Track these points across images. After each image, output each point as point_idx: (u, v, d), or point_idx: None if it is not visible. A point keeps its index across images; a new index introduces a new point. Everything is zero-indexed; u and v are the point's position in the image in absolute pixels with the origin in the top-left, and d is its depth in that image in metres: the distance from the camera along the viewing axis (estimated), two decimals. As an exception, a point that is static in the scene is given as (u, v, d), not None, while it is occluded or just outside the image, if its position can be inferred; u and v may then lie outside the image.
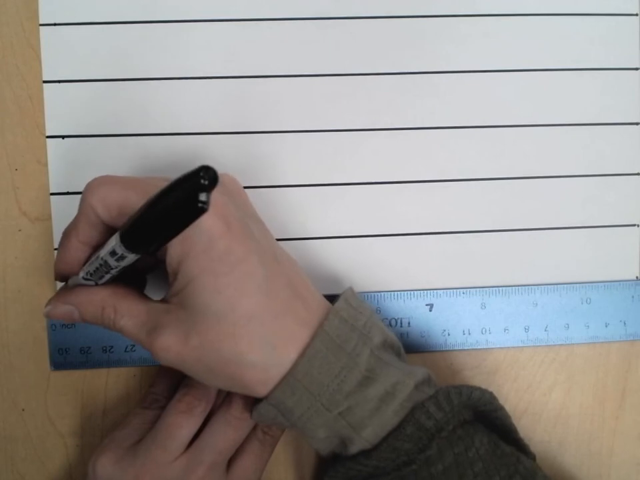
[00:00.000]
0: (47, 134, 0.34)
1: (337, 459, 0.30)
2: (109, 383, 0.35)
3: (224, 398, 0.31)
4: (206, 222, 0.25)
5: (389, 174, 0.35)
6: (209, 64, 0.34)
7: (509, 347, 0.36)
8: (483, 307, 0.36)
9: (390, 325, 0.35)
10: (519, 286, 0.36)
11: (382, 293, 0.35)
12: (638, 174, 0.37)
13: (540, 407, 0.36)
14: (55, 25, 0.34)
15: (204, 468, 0.30)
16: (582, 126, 0.36)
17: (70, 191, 0.34)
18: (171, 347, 0.26)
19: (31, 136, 0.34)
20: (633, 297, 0.36)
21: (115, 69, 0.34)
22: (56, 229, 0.34)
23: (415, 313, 0.36)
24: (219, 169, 0.34)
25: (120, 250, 0.24)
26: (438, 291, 0.36)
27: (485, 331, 0.36)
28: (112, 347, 0.34)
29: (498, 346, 0.36)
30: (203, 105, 0.34)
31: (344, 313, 0.28)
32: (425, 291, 0.36)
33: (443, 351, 0.36)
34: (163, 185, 0.21)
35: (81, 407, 0.35)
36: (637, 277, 0.37)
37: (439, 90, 0.36)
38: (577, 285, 0.36)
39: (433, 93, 0.35)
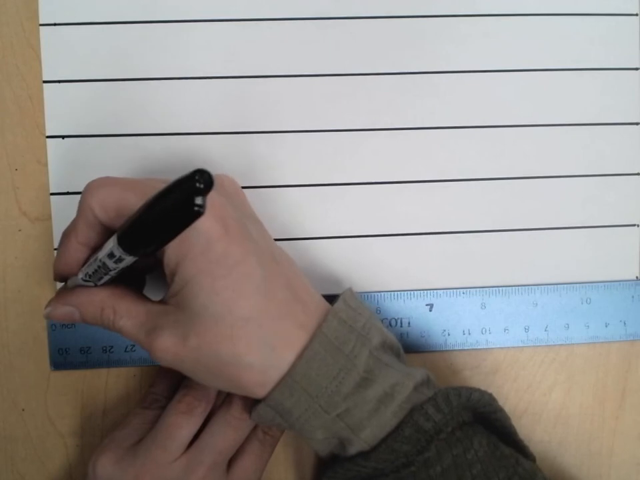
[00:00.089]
0: (47, 134, 0.34)
1: (335, 460, 0.30)
2: (108, 383, 0.35)
3: (224, 398, 0.31)
4: (203, 224, 0.25)
5: (388, 174, 0.35)
6: (209, 64, 0.34)
7: (509, 347, 0.36)
8: (483, 307, 0.36)
9: (390, 325, 0.35)
10: (518, 286, 0.36)
11: (382, 293, 0.35)
12: (638, 174, 0.37)
13: (540, 407, 0.36)
14: (54, 25, 0.34)
15: (204, 468, 0.30)
16: (582, 126, 0.36)
17: (70, 191, 0.34)
18: (169, 348, 0.26)
19: (31, 136, 0.34)
20: (632, 297, 0.36)
21: (114, 69, 0.34)
22: (56, 229, 0.34)
23: (415, 313, 0.36)
24: (219, 169, 0.35)
25: (118, 252, 0.24)
26: (438, 290, 0.36)
27: (485, 330, 0.36)
28: (112, 347, 0.34)
29: (498, 346, 0.36)
30: (202, 105, 0.34)
31: (343, 314, 0.28)
32: (425, 291, 0.36)
33: (442, 351, 0.36)
34: (161, 187, 0.21)
35: (81, 407, 0.35)
36: (637, 277, 0.37)
37: (439, 90, 0.36)
38: (577, 284, 0.36)
39: (433, 93, 0.35)
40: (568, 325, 0.36)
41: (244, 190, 0.31)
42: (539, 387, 0.37)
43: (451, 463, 0.28)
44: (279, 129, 0.35)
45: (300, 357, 0.27)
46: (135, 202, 0.25)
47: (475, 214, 0.36)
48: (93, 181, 0.27)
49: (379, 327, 0.29)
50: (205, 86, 0.34)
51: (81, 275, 0.28)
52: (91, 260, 0.27)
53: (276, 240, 0.34)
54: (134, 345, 0.34)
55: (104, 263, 0.25)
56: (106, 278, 0.27)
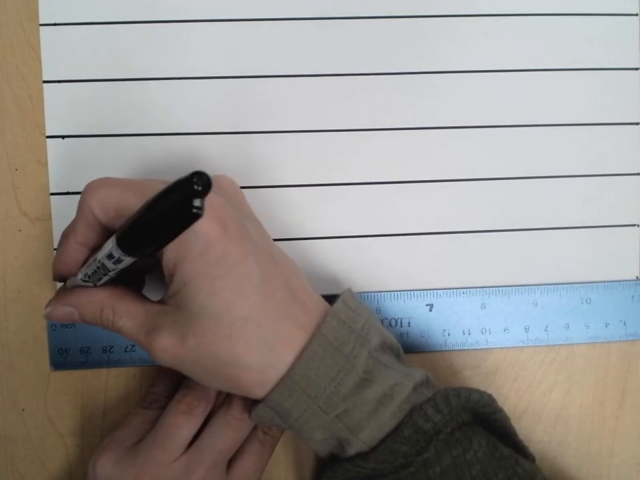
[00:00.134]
0: (47, 134, 0.34)
1: (335, 460, 0.30)
2: (108, 383, 0.35)
3: (224, 399, 0.31)
4: (202, 225, 0.25)
5: (388, 174, 0.35)
6: (209, 64, 0.34)
7: (509, 347, 0.36)
8: (483, 307, 0.36)
9: (390, 325, 0.35)
10: (518, 286, 0.36)
11: (382, 293, 0.35)
12: (638, 174, 0.37)
13: (540, 407, 0.36)
14: (55, 25, 0.34)
15: (204, 468, 0.30)
16: (582, 126, 0.36)
17: (70, 191, 0.34)
18: (169, 348, 0.26)
19: (31, 136, 0.34)
20: (632, 297, 0.36)
21: (115, 69, 0.34)
22: (56, 229, 0.34)
23: (415, 313, 0.36)
24: (219, 169, 0.35)
25: (117, 253, 0.24)
26: (438, 290, 0.36)
27: (485, 330, 0.36)
28: (112, 347, 0.34)
29: (498, 346, 0.36)
30: (202, 105, 0.34)
31: (342, 314, 0.28)
32: (425, 291, 0.36)
33: (442, 351, 0.36)
34: (161, 188, 0.21)
35: (81, 407, 0.35)
36: (637, 277, 0.37)
37: (439, 90, 0.36)
38: (577, 284, 0.36)
39: (433, 93, 0.35)
40: (568, 325, 0.36)
41: (244, 190, 0.31)
42: (538, 387, 0.37)
43: (450, 463, 0.28)
44: (279, 129, 0.35)
45: (299, 357, 0.27)
46: (134, 203, 0.26)
47: (475, 214, 0.36)
48: (93, 182, 0.27)
49: (379, 328, 0.29)
50: (204, 86, 0.34)
51: (80, 276, 0.28)
52: (90, 260, 0.27)
53: (276, 240, 0.34)
54: (134, 345, 0.34)
55: (103, 264, 0.25)
56: (105, 278, 0.27)
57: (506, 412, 0.30)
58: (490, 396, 0.30)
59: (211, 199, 0.25)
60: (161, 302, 0.28)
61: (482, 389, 0.32)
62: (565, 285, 0.36)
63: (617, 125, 0.37)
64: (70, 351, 0.34)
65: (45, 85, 0.34)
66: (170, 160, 0.34)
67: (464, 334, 0.36)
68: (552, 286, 0.36)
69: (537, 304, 0.36)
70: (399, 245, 0.36)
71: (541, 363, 0.37)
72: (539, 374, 0.37)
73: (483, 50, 0.36)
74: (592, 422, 0.37)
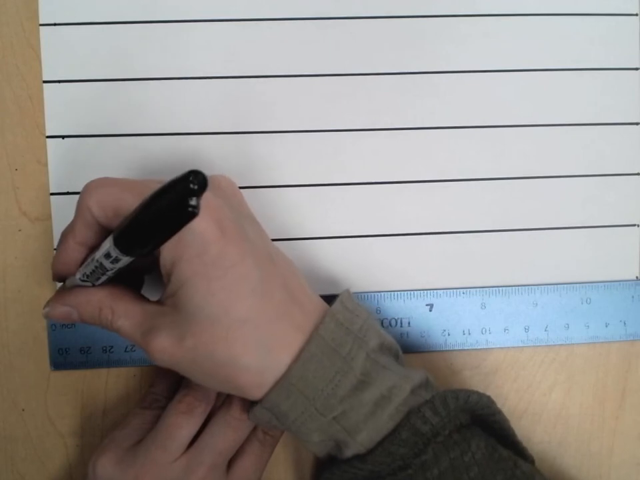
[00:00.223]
0: (47, 134, 0.34)
1: (333, 461, 0.30)
2: (108, 382, 0.35)
3: (224, 399, 0.31)
4: (199, 225, 0.25)
5: (389, 174, 0.35)
6: (209, 64, 0.34)
7: (509, 347, 0.36)
8: (483, 307, 0.36)
9: (390, 325, 0.35)
10: (518, 286, 0.36)
11: (382, 293, 0.35)
12: (638, 174, 0.37)
13: (540, 407, 0.36)
14: (55, 25, 0.34)
15: (204, 469, 0.30)
16: (582, 126, 0.36)
17: (70, 191, 0.34)
18: (166, 348, 0.26)
19: (31, 136, 0.34)
20: (632, 297, 0.36)
21: (115, 69, 0.34)
22: (56, 229, 0.34)
23: (415, 313, 0.36)
24: (219, 170, 0.35)
25: (114, 253, 0.24)
26: (438, 290, 0.36)
27: (485, 331, 0.36)
28: (112, 347, 0.34)
29: (498, 346, 0.36)
30: (202, 105, 0.34)
31: (340, 316, 0.28)
32: (425, 291, 0.36)
33: (442, 351, 0.36)
34: (157, 187, 0.21)
35: (81, 407, 0.35)
36: (637, 277, 0.37)
37: (439, 90, 0.35)
38: (577, 284, 0.36)
39: (433, 93, 0.35)
40: (568, 325, 0.36)
41: (244, 190, 0.31)
42: (538, 387, 0.37)
43: (448, 465, 0.28)
44: (279, 129, 0.35)
45: (296, 359, 0.27)
46: (132, 202, 0.25)
47: (475, 214, 0.36)
48: (91, 182, 0.27)
49: (377, 329, 0.29)
50: (204, 86, 0.34)
51: (78, 275, 0.28)
52: (89, 260, 0.27)
53: (276, 240, 0.34)
54: (134, 345, 0.34)
55: (101, 263, 0.26)
56: (103, 278, 0.27)
57: (506, 412, 0.30)
58: (489, 397, 0.30)
59: (208, 199, 0.25)
60: (159, 302, 0.28)
61: (482, 389, 0.32)
62: (565, 285, 0.36)
63: (616, 125, 0.37)
64: (70, 351, 0.34)
65: (44, 85, 0.34)
66: (170, 160, 0.34)
67: (464, 334, 0.36)
68: (552, 286, 0.36)
69: (537, 304, 0.36)
70: (399, 245, 0.36)
71: (541, 363, 0.37)
72: (539, 374, 0.37)
73: (483, 50, 0.36)
74: (592, 422, 0.37)
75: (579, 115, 0.36)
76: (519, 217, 0.36)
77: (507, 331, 0.36)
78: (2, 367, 0.34)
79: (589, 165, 0.36)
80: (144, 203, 0.22)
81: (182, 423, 0.30)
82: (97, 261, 0.26)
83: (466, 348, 0.36)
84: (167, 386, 0.33)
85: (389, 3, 0.35)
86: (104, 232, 0.27)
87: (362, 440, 0.28)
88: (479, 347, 0.36)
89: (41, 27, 0.34)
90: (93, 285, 0.28)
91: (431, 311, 0.36)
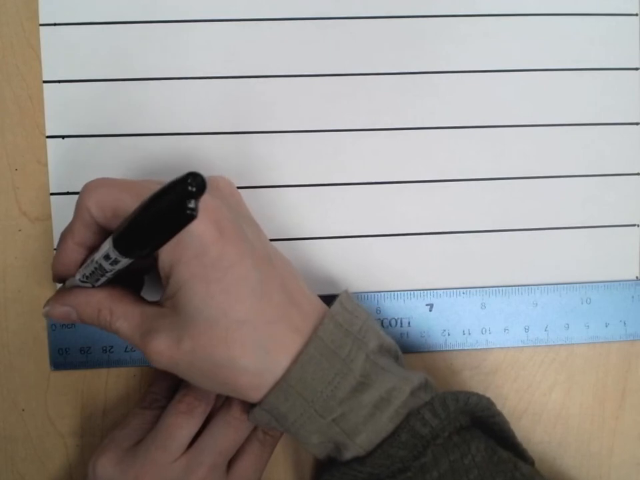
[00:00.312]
0: (47, 134, 0.34)
1: (332, 463, 0.30)
2: (108, 382, 0.35)
3: (224, 399, 0.31)
4: (197, 227, 0.25)
5: (389, 174, 0.35)
6: (209, 64, 0.34)
7: (509, 347, 0.36)
8: (483, 307, 0.36)
9: (390, 325, 0.35)
10: (518, 286, 0.36)
11: (382, 293, 0.35)
12: (638, 174, 0.37)
13: (540, 407, 0.36)
14: (55, 25, 0.34)
15: (204, 469, 0.30)
16: (582, 126, 0.36)
17: (70, 191, 0.34)
18: (164, 351, 0.26)
19: (31, 136, 0.34)
20: (632, 297, 0.36)
21: (115, 69, 0.34)
22: (56, 229, 0.34)
23: (415, 313, 0.36)
24: (219, 170, 0.35)
25: (113, 254, 0.24)
26: (438, 290, 0.36)
27: (485, 330, 0.36)
28: (112, 347, 0.34)
29: (498, 346, 0.36)
30: (202, 105, 0.34)
31: (339, 317, 0.28)
32: (425, 291, 0.36)
33: (442, 351, 0.36)
34: (156, 189, 0.21)
35: (81, 407, 0.35)
36: (637, 277, 0.37)
37: (439, 90, 0.35)
38: (577, 284, 0.36)
39: (433, 93, 0.35)
40: (568, 325, 0.36)
41: (243, 190, 0.31)
42: (539, 387, 0.37)
43: (447, 468, 0.28)
44: (279, 129, 0.35)
45: (295, 360, 0.27)
46: (130, 203, 0.25)
47: (475, 214, 0.36)
48: (90, 182, 0.27)
49: (376, 330, 0.29)
50: (204, 86, 0.34)
51: (78, 276, 0.28)
52: (88, 261, 0.27)
53: (275, 240, 0.34)
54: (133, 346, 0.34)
55: (100, 265, 0.26)
56: (103, 279, 0.27)
57: (506, 412, 0.30)
58: (488, 399, 0.30)
59: (206, 201, 0.25)
60: (158, 304, 0.28)
61: (482, 389, 0.32)
62: (565, 285, 0.36)
63: (616, 125, 0.37)
64: (70, 351, 0.34)
65: (44, 84, 0.34)
66: (170, 160, 0.34)
67: (464, 334, 0.36)
68: (552, 286, 0.36)
69: (537, 304, 0.36)
70: (399, 244, 0.36)
71: (541, 363, 0.37)
72: (539, 374, 0.37)
73: (483, 50, 0.36)
74: (592, 422, 0.37)
75: (579, 115, 0.36)
76: (518, 217, 0.36)
77: (506, 331, 0.36)
78: (2, 366, 0.34)
79: (589, 165, 0.36)
80: (143, 205, 0.22)
81: (182, 423, 0.30)
82: (97, 262, 0.26)
83: (466, 348, 0.36)
84: (167, 386, 0.33)
85: (388, 2, 0.35)
86: (103, 233, 0.27)
87: (361, 442, 0.28)
88: (478, 347, 0.36)
89: (41, 27, 0.34)
90: (93, 286, 0.28)
91: (431, 311, 0.36)
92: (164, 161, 0.34)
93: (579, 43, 0.36)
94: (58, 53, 0.34)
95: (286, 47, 0.35)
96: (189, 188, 0.20)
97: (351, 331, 0.28)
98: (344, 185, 0.35)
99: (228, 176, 0.30)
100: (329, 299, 0.30)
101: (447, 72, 0.35)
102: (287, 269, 0.29)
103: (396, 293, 0.35)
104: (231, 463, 0.32)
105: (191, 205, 0.20)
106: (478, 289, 0.36)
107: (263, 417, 0.28)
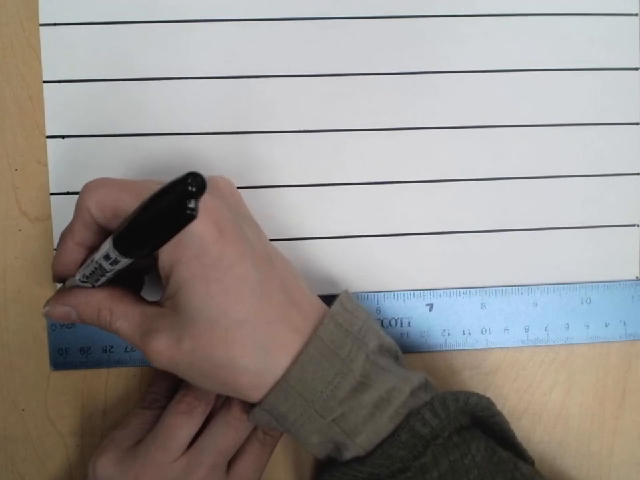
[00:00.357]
0: (47, 134, 0.34)
1: (332, 463, 0.30)
2: (108, 382, 0.35)
3: (224, 399, 0.31)
4: (197, 227, 0.25)
5: (389, 174, 0.35)
6: (209, 64, 0.34)
7: (509, 347, 0.36)
8: (483, 307, 0.36)
9: (390, 325, 0.35)
10: (518, 286, 0.36)
11: (382, 293, 0.35)
12: (638, 174, 0.37)
13: (540, 407, 0.36)
14: (55, 24, 0.34)
15: (204, 469, 0.30)
16: (582, 126, 0.36)
17: (70, 191, 0.34)
18: (164, 351, 0.26)
19: (31, 136, 0.34)
20: (632, 297, 0.36)
21: (115, 69, 0.34)
22: (56, 229, 0.34)
23: (415, 313, 0.36)
24: (219, 170, 0.35)
25: (113, 254, 0.24)
26: (438, 290, 0.36)
27: (485, 330, 0.36)
28: (112, 347, 0.34)
29: (498, 346, 0.36)
30: (202, 105, 0.34)
31: (339, 317, 0.28)
32: (425, 291, 0.36)
33: (442, 351, 0.36)
34: (156, 189, 0.21)
35: (81, 407, 0.35)
36: (637, 277, 0.37)
37: (439, 90, 0.35)
38: (577, 284, 0.36)
39: (433, 93, 0.35)
40: (568, 325, 0.36)
41: (243, 190, 0.31)
42: (539, 387, 0.37)
43: (447, 468, 0.28)
44: (279, 129, 0.35)
45: (295, 361, 0.27)
46: (130, 203, 0.25)
47: (475, 214, 0.36)
48: (90, 182, 0.27)
49: (376, 330, 0.29)
50: (204, 86, 0.34)
51: (78, 276, 0.28)
52: (88, 261, 0.27)
53: (275, 240, 0.34)
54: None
55: (100, 265, 0.26)
56: (103, 279, 0.27)
57: (506, 412, 0.30)
58: (488, 399, 0.30)
59: (206, 201, 0.25)
60: (158, 304, 0.28)
61: (482, 389, 0.32)
62: (565, 285, 0.36)
63: (616, 125, 0.37)
64: (70, 351, 0.34)
65: (44, 84, 0.34)
66: (169, 160, 0.34)
67: (464, 334, 0.36)
68: (552, 286, 0.36)
69: (537, 304, 0.36)
70: (399, 245, 0.36)
71: (541, 362, 0.37)
72: (539, 374, 0.37)
73: (483, 50, 0.36)
74: (592, 422, 0.37)
75: (579, 115, 0.36)
76: (519, 216, 0.36)
77: (507, 331, 0.36)
78: (2, 366, 0.34)
79: (589, 165, 0.36)
80: (143, 205, 0.22)
81: (182, 423, 0.30)
82: (97, 262, 0.26)
83: (466, 348, 0.36)
84: (167, 386, 0.33)
85: (388, 2, 0.35)
86: (103, 232, 0.27)
87: (361, 442, 0.28)
88: (478, 347, 0.36)
89: (40, 27, 0.34)
90: (93, 286, 0.28)
91: (431, 311, 0.36)
92: (164, 161, 0.34)
93: (578, 43, 0.36)
94: (58, 53, 0.34)
95: (286, 47, 0.35)
96: (189, 188, 0.20)
97: (351, 331, 0.28)
98: (344, 185, 0.35)
99: (228, 176, 0.30)
100: (329, 299, 0.30)
101: (447, 72, 0.35)
102: (286, 269, 0.29)
103: (396, 293, 0.35)
104: (231, 463, 0.32)
105: (191, 205, 0.20)
106: (478, 289, 0.36)
107: (262, 417, 0.28)
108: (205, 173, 0.21)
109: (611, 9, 0.36)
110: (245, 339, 0.26)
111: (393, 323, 0.35)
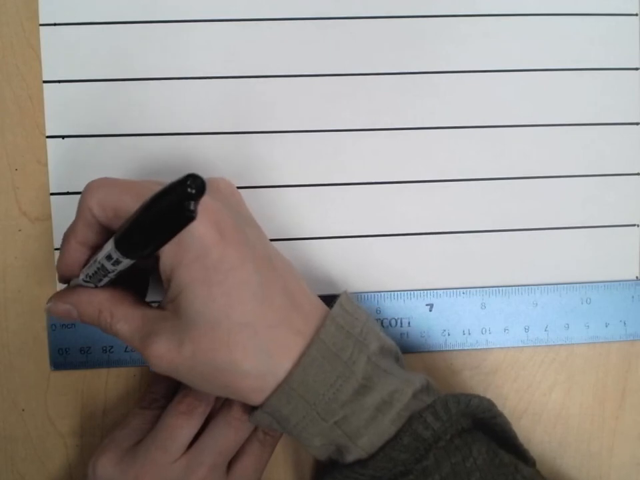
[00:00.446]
0: (47, 134, 0.34)
1: (334, 466, 0.30)
2: (108, 382, 0.35)
3: (225, 399, 0.31)
4: (198, 230, 0.25)
5: (389, 174, 0.35)
6: (209, 64, 0.34)
7: (509, 347, 0.36)
8: (483, 307, 0.36)
9: (390, 325, 0.35)
10: (518, 286, 0.36)
11: (382, 293, 0.35)
12: (638, 174, 0.37)
13: (540, 407, 0.36)
14: (55, 24, 0.34)
15: (204, 469, 0.30)
16: (582, 126, 0.36)
17: (70, 191, 0.34)
18: (164, 354, 0.26)
19: (31, 136, 0.34)
20: (632, 297, 0.36)
21: (115, 69, 0.34)
22: (56, 229, 0.34)
23: (415, 313, 0.36)
24: (219, 170, 0.35)
25: (115, 255, 0.24)
26: (438, 290, 0.36)
27: (485, 330, 0.36)
28: (112, 347, 0.34)
29: (498, 346, 0.36)
30: (202, 105, 0.34)
31: (340, 319, 0.28)
32: (425, 291, 0.36)
33: (442, 351, 0.36)
34: (157, 189, 0.21)
35: (81, 406, 0.35)
36: (637, 277, 0.37)
37: (439, 90, 0.35)
38: (577, 284, 0.36)
39: (433, 93, 0.35)
40: (568, 325, 0.36)
41: (243, 190, 0.31)
42: (539, 387, 0.37)
43: (449, 471, 0.28)
44: (279, 129, 0.35)
45: (297, 363, 0.27)
46: (131, 204, 0.25)
47: (475, 214, 0.36)
48: (92, 182, 0.27)
49: (376, 332, 0.29)
50: (204, 86, 0.34)
51: (81, 276, 0.28)
52: (91, 261, 0.27)
53: (275, 240, 0.34)
54: (134, 345, 0.34)
55: (102, 265, 0.26)
56: (106, 280, 0.27)
57: (506, 412, 0.30)
58: (489, 401, 0.30)
59: (207, 203, 0.25)
60: (159, 307, 0.28)
61: (482, 389, 0.32)
62: (565, 285, 0.36)
63: (616, 125, 0.37)
64: (70, 351, 0.34)
65: (44, 84, 0.34)
66: (170, 160, 0.34)
67: (464, 334, 0.36)
68: (552, 286, 0.36)
69: (537, 304, 0.36)
70: (399, 245, 0.36)
71: (541, 363, 0.37)
72: (539, 374, 0.37)
73: (483, 50, 0.36)
74: (592, 422, 0.37)
75: (579, 115, 0.36)
76: (519, 217, 0.36)
77: (507, 331, 0.36)
78: (2, 366, 0.34)
79: (589, 165, 0.36)
80: (143, 205, 0.22)
81: (182, 423, 0.30)
82: (99, 262, 0.26)
83: (466, 348, 0.36)
84: (166, 386, 0.33)
85: (388, 2, 0.35)
86: (105, 232, 0.27)
87: (363, 445, 0.28)
88: (478, 347, 0.36)
89: (40, 27, 0.34)
90: (96, 286, 0.28)
91: (431, 311, 0.36)
92: (164, 161, 0.34)
93: (579, 43, 0.36)
94: (58, 53, 0.34)
95: (286, 46, 0.35)
96: (188, 190, 0.20)
97: (352, 333, 0.28)
98: (344, 185, 0.35)
99: (228, 176, 0.30)
100: (328, 299, 0.30)
101: (447, 72, 0.35)
102: (287, 270, 0.29)
103: (396, 292, 0.35)
104: (231, 463, 0.32)
105: (190, 206, 0.20)
106: (478, 289, 0.36)
107: (264, 419, 0.28)
108: (205, 173, 0.21)
109: (611, 9, 0.36)
110: (246, 342, 0.26)
111: (393, 323, 0.35)
